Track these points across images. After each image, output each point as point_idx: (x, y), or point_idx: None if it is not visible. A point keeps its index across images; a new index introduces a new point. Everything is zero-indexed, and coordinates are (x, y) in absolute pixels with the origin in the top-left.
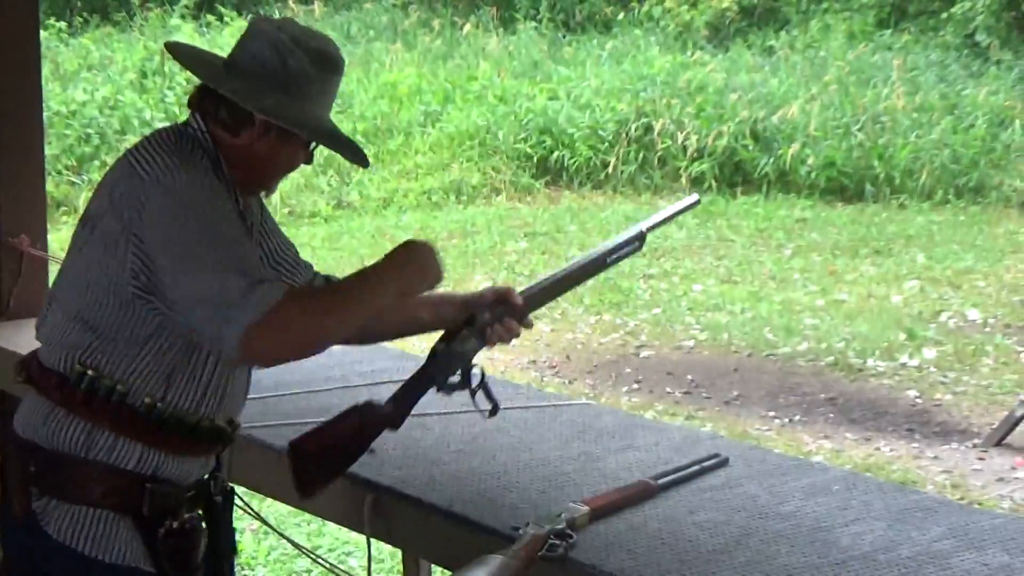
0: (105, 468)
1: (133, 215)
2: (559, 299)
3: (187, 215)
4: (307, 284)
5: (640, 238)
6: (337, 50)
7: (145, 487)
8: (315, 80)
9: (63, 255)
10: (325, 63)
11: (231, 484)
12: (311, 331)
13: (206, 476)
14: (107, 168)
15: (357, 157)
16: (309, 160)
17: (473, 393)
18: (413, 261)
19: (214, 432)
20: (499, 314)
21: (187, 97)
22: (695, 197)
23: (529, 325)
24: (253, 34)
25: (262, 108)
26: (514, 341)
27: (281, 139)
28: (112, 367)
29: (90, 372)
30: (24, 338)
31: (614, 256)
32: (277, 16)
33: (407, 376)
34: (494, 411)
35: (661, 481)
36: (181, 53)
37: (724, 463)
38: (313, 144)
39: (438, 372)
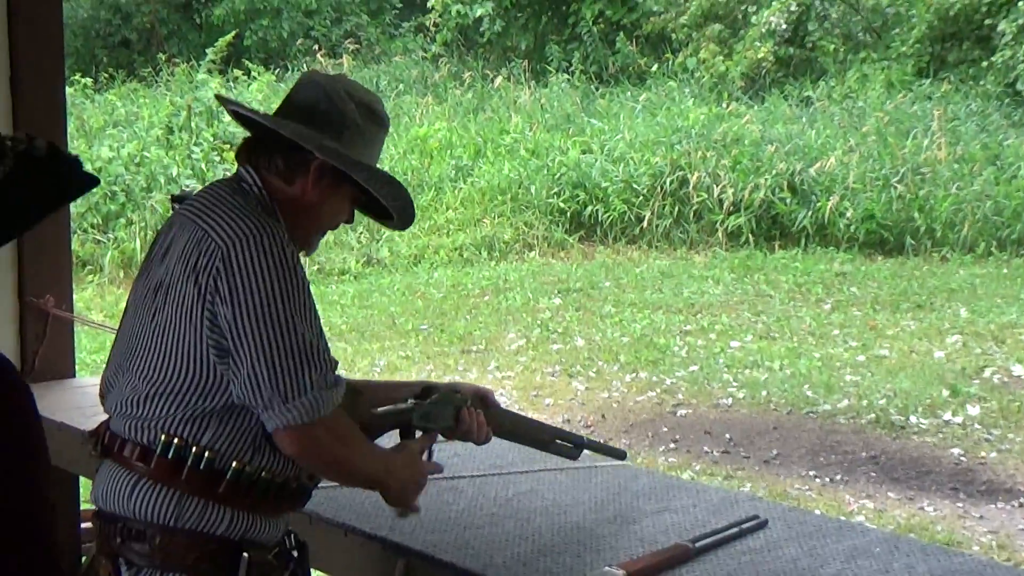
0: (196, 535)
1: (211, 283)
2: (594, 358)
3: (271, 287)
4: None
5: (580, 446)
6: (383, 107)
7: (242, 555)
8: (365, 132)
9: (89, 316)
10: (375, 117)
11: (303, 539)
12: (332, 459)
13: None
14: (132, 226)
15: (408, 216)
16: (350, 218)
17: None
18: (411, 491)
19: (300, 490)
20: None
21: (234, 151)
22: (623, 453)
23: (487, 438)
24: (307, 83)
25: (322, 147)
26: (474, 440)
27: (332, 187)
28: (199, 434)
29: (176, 441)
30: (50, 400)
31: (557, 443)
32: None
33: (438, 440)
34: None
35: (698, 544)
36: (232, 103)
37: (763, 525)
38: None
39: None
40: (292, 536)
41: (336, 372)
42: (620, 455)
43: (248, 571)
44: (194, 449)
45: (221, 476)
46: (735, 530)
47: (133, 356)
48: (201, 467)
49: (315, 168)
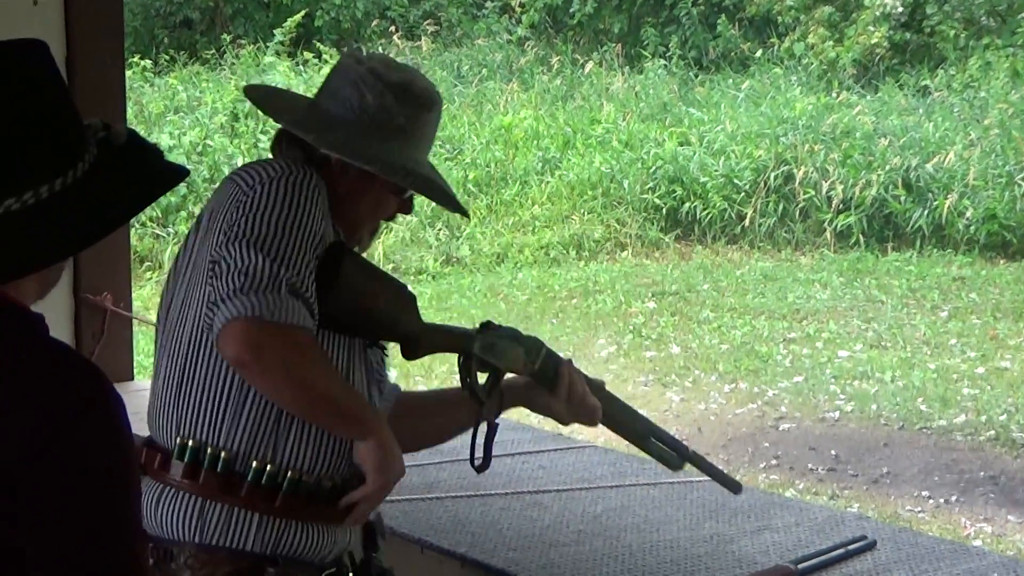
0: (222, 551)
1: (221, 227)
2: (690, 366)
3: (268, 193)
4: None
5: (684, 457)
6: (427, 85)
7: (267, 571)
8: (397, 116)
9: (147, 315)
10: (409, 98)
11: (390, 566)
12: (285, 374)
13: (356, 554)
14: (193, 220)
15: (448, 203)
16: (406, 209)
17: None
18: (394, 467)
19: (338, 492)
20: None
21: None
22: (738, 486)
23: (593, 414)
24: (336, 70)
25: (329, 144)
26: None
27: (363, 180)
28: (213, 433)
29: (190, 443)
30: None
31: (656, 442)
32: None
33: (521, 449)
34: (483, 467)
35: (802, 566)
36: (258, 97)
37: (871, 546)
38: (409, 192)
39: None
40: (372, 564)
41: (311, 292)
42: (735, 488)
43: None
44: (209, 451)
45: (242, 478)
46: (841, 551)
47: (159, 345)
48: (219, 469)
49: (336, 162)
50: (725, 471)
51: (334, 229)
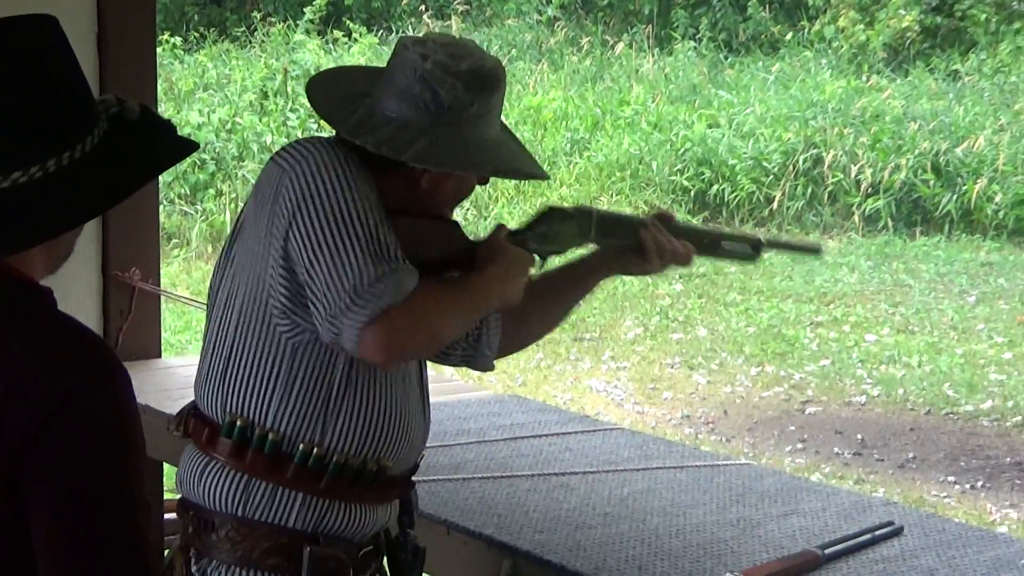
0: (266, 527)
1: (274, 206)
2: (717, 349)
3: (322, 190)
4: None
5: (757, 246)
6: (493, 63)
7: (305, 549)
8: (472, 104)
9: (175, 290)
10: (482, 84)
11: (423, 544)
12: (436, 327)
13: (392, 531)
14: (222, 197)
15: (529, 175)
16: (484, 181)
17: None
18: (517, 275)
19: (381, 475)
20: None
21: (312, 120)
22: (818, 245)
23: (688, 256)
24: (399, 64)
25: (417, 158)
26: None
27: (444, 173)
28: (261, 413)
29: (239, 422)
30: (134, 382)
31: (728, 246)
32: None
33: (548, 431)
34: None
35: (828, 551)
36: (317, 98)
37: (898, 532)
38: None
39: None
40: (408, 539)
41: (400, 258)
42: (816, 250)
43: (312, 567)
44: (257, 431)
45: (289, 459)
46: (868, 537)
47: (209, 320)
48: (266, 450)
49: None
50: (752, 455)
51: None
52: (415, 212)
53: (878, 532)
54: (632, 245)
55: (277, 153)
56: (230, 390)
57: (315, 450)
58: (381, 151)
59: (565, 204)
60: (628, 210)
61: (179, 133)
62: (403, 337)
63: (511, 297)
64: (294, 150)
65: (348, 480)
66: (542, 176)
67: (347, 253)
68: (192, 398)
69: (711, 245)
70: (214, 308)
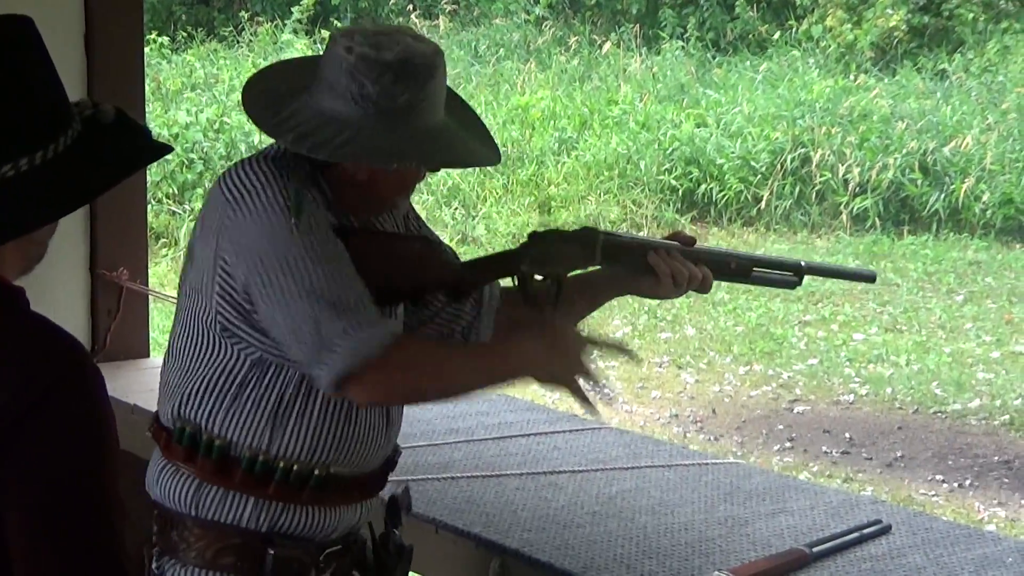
0: (216, 526)
1: (220, 239)
2: (705, 348)
3: (276, 234)
4: (413, 336)
5: (798, 271)
6: (424, 50)
7: (267, 552)
8: (401, 95)
9: (163, 290)
10: (411, 74)
11: (410, 543)
12: (409, 391)
13: (369, 532)
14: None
15: (475, 161)
16: (435, 168)
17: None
18: (561, 355)
19: (340, 479)
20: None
21: None
22: (872, 273)
23: (708, 282)
24: (328, 59)
25: (340, 155)
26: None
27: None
28: (209, 419)
29: (188, 428)
30: (122, 381)
31: (760, 272)
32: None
33: (536, 430)
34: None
35: (816, 549)
36: (250, 96)
37: (886, 531)
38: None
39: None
40: (392, 539)
41: (373, 310)
42: (870, 278)
43: (275, 568)
44: (204, 436)
45: (236, 464)
46: (855, 535)
47: (172, 331)
48: (213, 456)
49: None
50: (740, 454)
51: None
52: (363, 208)
53: (866, 530)
54: (641, 270)
55: (223, 178)
56: (182, 399)
57: (261, 456)
58: (301, 149)
59: (567, 227)
60: (616, 211)
61: (153, 137)
62: (389, 386)
63: (555, 378)
64: (239, 180)
65: (297, 485)
66: (487, 162)
67: (304, 306)
68: None
69: (740, 271)
70: (175, 317)
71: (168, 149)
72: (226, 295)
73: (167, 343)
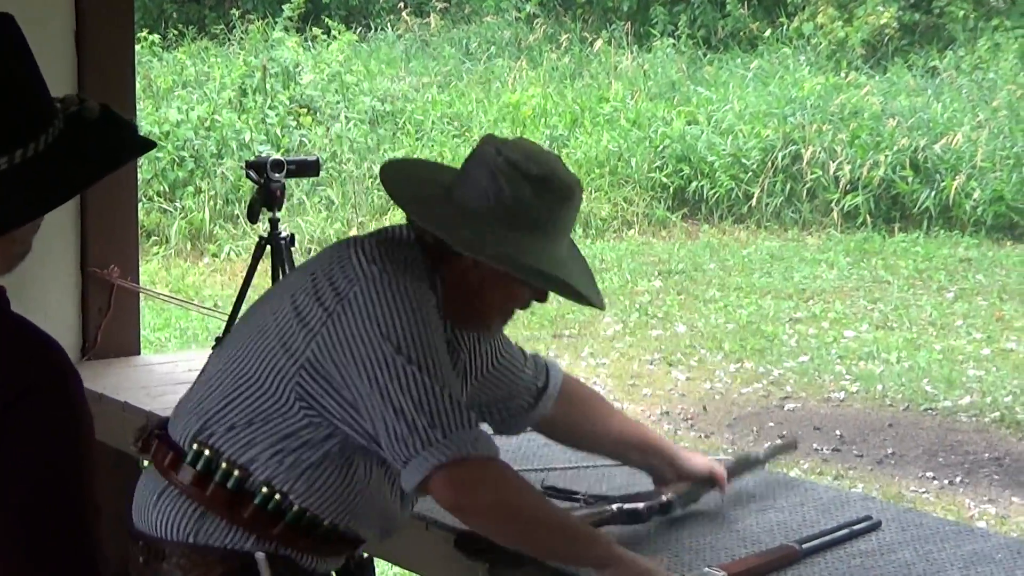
0: (217, 551)
1: (333, 303)
2: (696, 345)
3: (392, 321)
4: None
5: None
6: (567, 176)
7: (255, 556)
8: (534, 209)
9: (154, 288)
10: (550, 190)
11: (367, 553)
12: (490, 505)
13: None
14: (201, 195)
15: (581, 300)
16: (541, 298)
17: None
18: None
19: (336, 534)
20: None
21: (291, 118)
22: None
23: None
24: (474, 157)
25: (461, 243)
26: None
27: (495, 271)
28: (237, 451)
29: (207, 452)
30: (113, 379)
31: (760, 458)
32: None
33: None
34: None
35: (806, 546)
36: (392, 182)
37: (876, 527)
38: None
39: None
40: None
41: (472, 417)
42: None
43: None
44: (224, 465)
45: (250, 498)
46: (846, 532)
47: (226, 350)
48: (229, 485)
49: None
50: (731, 451)
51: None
52: (460, 317)
53: (856, 527)
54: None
55: (356, 243)
56: (217, 423)
57: (276, 496)
58: (438, 232)
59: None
60: (607, 208)
61: (140, 132)
62: (478, 491)
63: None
64: (371, 251)
65: (303, 531)
66: (600, 305)
67: (432, 379)
68: (161, 409)
69: (750, 465)
70: (241, 338)
71: (152, 145)
72: (315, 362)
73: (215, 363)
